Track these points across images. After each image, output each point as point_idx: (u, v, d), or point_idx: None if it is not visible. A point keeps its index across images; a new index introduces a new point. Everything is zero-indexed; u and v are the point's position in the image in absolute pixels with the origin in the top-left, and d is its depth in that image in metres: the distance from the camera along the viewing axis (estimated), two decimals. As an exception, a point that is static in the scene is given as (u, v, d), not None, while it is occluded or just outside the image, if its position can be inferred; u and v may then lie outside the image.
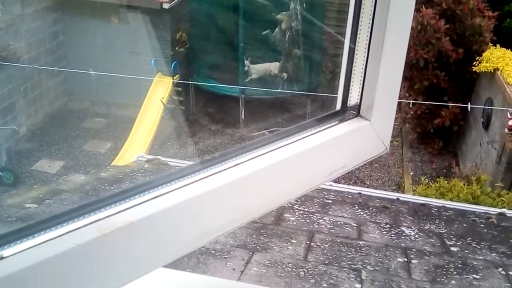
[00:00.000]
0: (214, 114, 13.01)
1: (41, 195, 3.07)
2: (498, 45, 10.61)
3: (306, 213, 3.09)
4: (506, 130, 8.57)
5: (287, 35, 12.24)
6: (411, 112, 11.64)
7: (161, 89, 12.07)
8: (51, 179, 10.03)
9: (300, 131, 1.03)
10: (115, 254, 0.76)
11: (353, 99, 1.10)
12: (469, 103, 10.23)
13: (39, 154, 11.08)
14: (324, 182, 1.04)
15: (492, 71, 9.90)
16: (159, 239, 0.81)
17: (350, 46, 1.09)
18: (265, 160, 0.96)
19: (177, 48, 12.87)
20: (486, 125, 9.93)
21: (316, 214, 3.08)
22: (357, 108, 1.10)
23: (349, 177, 10.36)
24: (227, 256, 2.41)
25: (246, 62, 12.47)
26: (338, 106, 1.11)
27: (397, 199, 3.66)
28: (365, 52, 1.07)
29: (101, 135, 12.01)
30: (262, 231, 2.73)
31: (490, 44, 10.84)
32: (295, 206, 3.16)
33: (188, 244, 0.87)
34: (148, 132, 11.10)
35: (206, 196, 0.89)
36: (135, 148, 10.21)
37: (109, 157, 10.93)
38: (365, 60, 1.07)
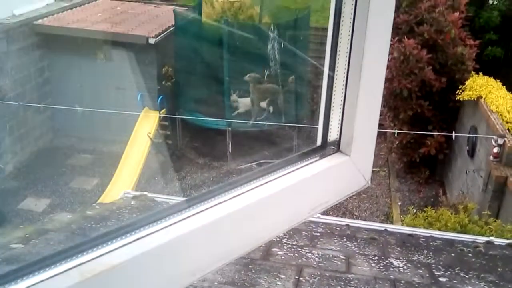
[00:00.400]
0: (201, 148, 13.02)
1: (27, 235, 3.04)
2: (480, 73, 10.75)
3: (294, 246, 3.07)
4: (491, 157, 8.64)
5: (266, 75, 12.44)
6: (397, 142, 11.71)
7: (147, 124, 12.08)
8: (38, 218, 9.92)
9: (281, 168, 1.05)
10: (97, 298, 0.76)
11: (333, 135, 1.12)
12: (453, 132, 10.34)
13: (25, 193, 10.99)
14: (307, 218, 1.05)
15: (475, 99, 10.01)
16: (143, 281, 0.81)
17: (327, 85, 1.11)
18: (248, 198, 0.97)
19: (163, 83, 12.94)
20: (472, 153, 10.00)
21: (304, 248, 3.07)
22: (337, 143, 1.11)
23: (338, 208, 10.36)
24: (215, 294, 2.39)
25: (234, 96, 12.56)
26: (319, 142, 1.12)
27: (385, 230, 3.65)
28: (342, 92, 1.09)
29: (87, 172, 11.95)
30: (250, 266, 2.72)
31: (472, 72, 10.99)
32: (283, 240, 3.15)
33: (173, 285, 0.87)
34: (135, 168, 11.06)
35: (190, 235, 0.89)
36: (122, 185, 10.16)
37: (95, 194, 10.86)
38: (342, 98, 1.10)
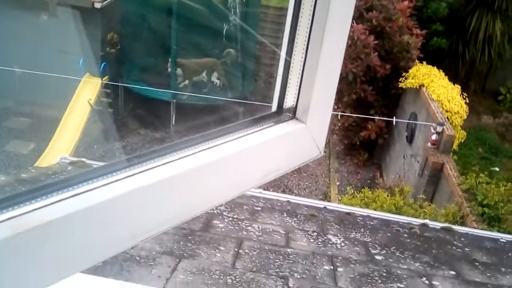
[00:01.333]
0: (143, 118, 12.79)
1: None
2: (424, 62, 11.01)
3: (235, 220, 3.05)
4: (429, 144, 8.89)
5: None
6: (339, 124, 11.90)
7: (89, 90, 11.74)
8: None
9: (234, 131, 1.00)
10: (29, 255, 0.69)
11: (289, 102, 1.08)
12: (394, 117, 10.56)
13: (-45, 153, 10.54)
14: (258, 184, 1.01)
15: (417, 87, 10.25)
16: (79, 240, 0.75)
17: (287, 50, 1.07)
18: (196, 160, 0.91)
19: (107, 49, 12.58)
20: (410, 139, 10.26)
21: (245, 221, 3.05)
22: (293, 110, 1.07)
23: (278, 185, 10.43)
24: (152, 263, 2.34)
25: (179, 68, 12.37)
26: (274, 108, 1.08)
27: (324, 207, 3.69)
28: (302, 57, 1.05)
29: (24, 136, 11.54)
30: (189, 237, 2.67)
31: (417, 61, 11.24)
32: (224, 213, 3.12)
33: (112, 246, 0.81)
34: (73, 134, 10.76)
35: (131, 195, 0.83)
36: (59, 150, 9.87)
37: (31, 158, 10.51)
38: (302, 66, 1.05)
